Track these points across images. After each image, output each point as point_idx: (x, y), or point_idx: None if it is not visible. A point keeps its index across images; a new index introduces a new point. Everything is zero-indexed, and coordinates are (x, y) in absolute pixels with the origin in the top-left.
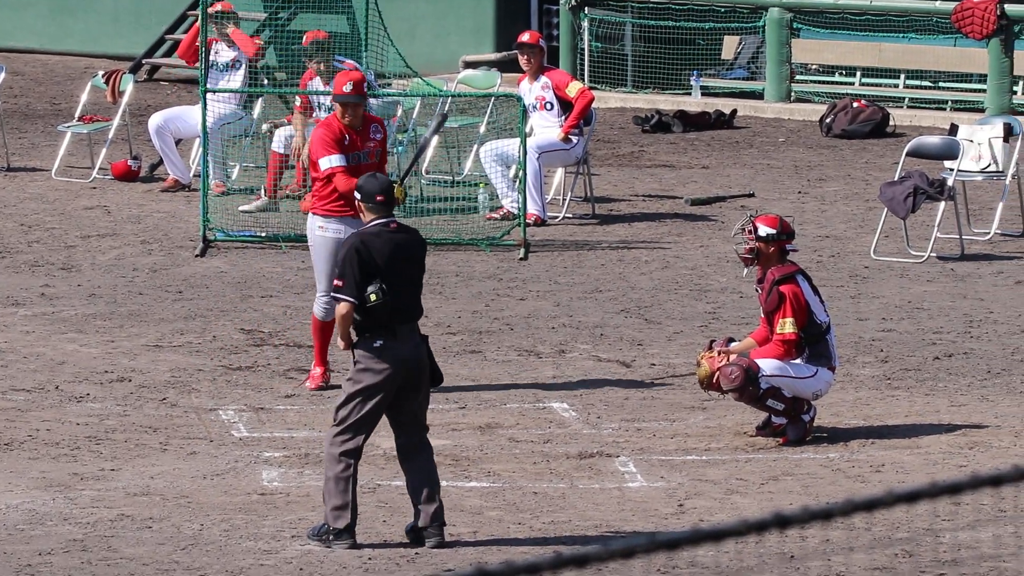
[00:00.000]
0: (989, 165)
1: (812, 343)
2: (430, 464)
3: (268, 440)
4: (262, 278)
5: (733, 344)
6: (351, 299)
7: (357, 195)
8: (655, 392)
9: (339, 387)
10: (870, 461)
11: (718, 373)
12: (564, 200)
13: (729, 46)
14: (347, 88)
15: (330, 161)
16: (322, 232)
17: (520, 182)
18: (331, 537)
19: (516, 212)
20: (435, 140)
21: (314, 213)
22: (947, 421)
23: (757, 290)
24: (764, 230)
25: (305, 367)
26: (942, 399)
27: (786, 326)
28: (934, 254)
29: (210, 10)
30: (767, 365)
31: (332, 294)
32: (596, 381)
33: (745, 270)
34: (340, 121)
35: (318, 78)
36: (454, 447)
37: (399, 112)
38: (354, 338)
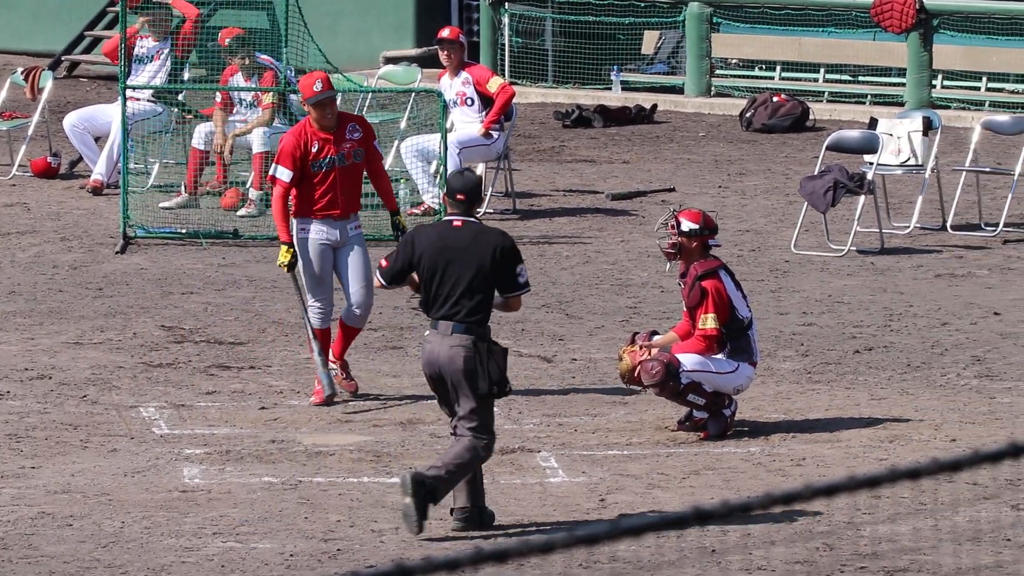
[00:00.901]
0: (908, 159)
1: (734, 338)
2: (447, 454)
3: (189, 437)
4: (183, 275)
5: (656, 338)
6: (384, 282)
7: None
8: (577, 387)
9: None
10: (791, 455)
11: (639, 368)
12: (485, 195)
13: (649, 41)
14: (317, 87)
15: (275, 169)
16: (303, 234)
17: (441, 178)
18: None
19: (437, 207)
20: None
21: (295, 216)
22: (867, 415)
23: (680, 284)
24: (687, 225)
25: (227, 363)
26: (862, 393)
27: (707, 321)
28: (854, 248)
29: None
30: (688, 360)
31: (375, 274)
32: (517, 376)
33: (667, 265)
34: (311, 127)
35: (239, 74)
36: (376, 443)
37: None
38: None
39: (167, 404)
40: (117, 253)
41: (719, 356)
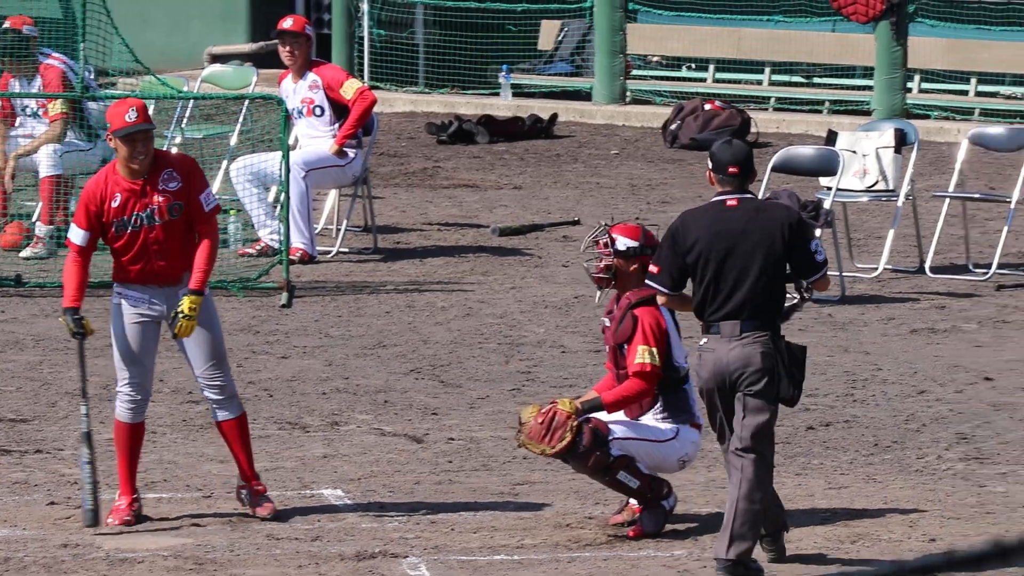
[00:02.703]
0: (877, 182)
1: (667, 392)
2: (737, 486)
3: None
4: None
5: (578, 399)
6: (666, 290)
7: (709, 162)
8: (454, 474)
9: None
10: None
11: (550, 432)
12: (338, 231)
13: (548, 33)
14: (130, 116)
15: (73, 234)
16: (117, 299)
17: (282, 208)
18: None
19: (277, 246)
20: None
21: (112, 278)
22: (824, 507)
23: (605, 323)
24: (624, 243)
25: (6, 446)
26: (817, 480)
27: (645, 355)
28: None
29: None
30: (619, 427)
31: (647, 281)
32: (379, 461)
33: (599, 293)
34: (114, 174)
35: (15, 80)
36: (197, 547)
37: None
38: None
39: None
40: None
41: (650, 420)
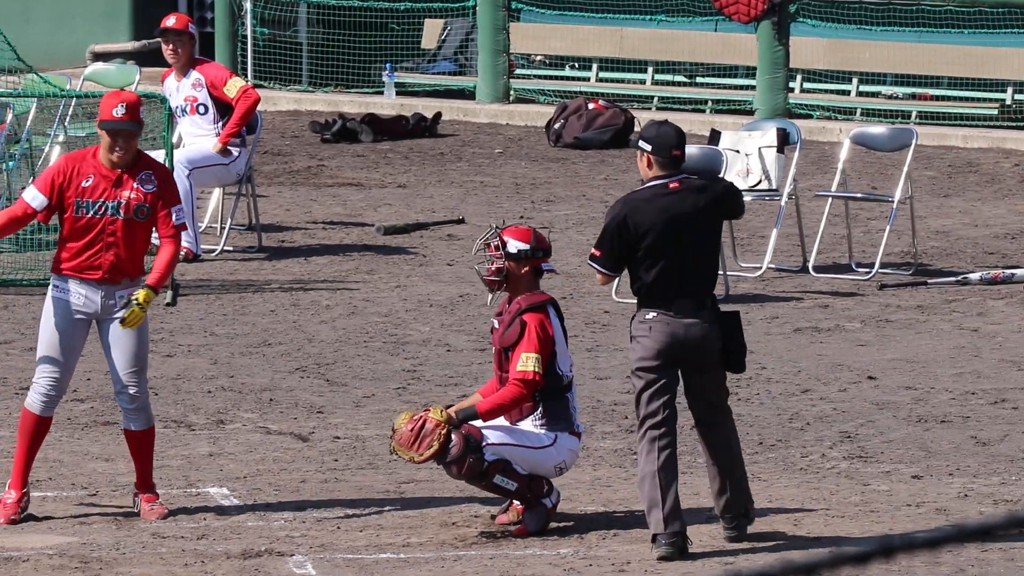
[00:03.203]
0: (760, 182)
1: (549, 399)
2: (725, 450)
3: None
4: None
5: (458, 403)
6: (606, 271)
7: (647, 146)
8: (340, 473)
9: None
10: (612, 558)
11: (420, 440)
12: (223, 229)
13: (431, 32)
14: (118, 112)
15: (27, 194)
16: (56, 292)
17: None
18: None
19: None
20: None
21: (52, 271)
22: (708, 506)
23: (494, 326)
24: (515, 245)
25: None
26: (703, 478)
27: (528, 362)
28: None
29: None
30: (493, 432)
31: (588, 262)
32: (264, 459)
33: (490, 296)
34: (94, 158)
35: None
36: (82, 545)
37: (9, 117)
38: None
39: None
40: None
41: (529, 426)
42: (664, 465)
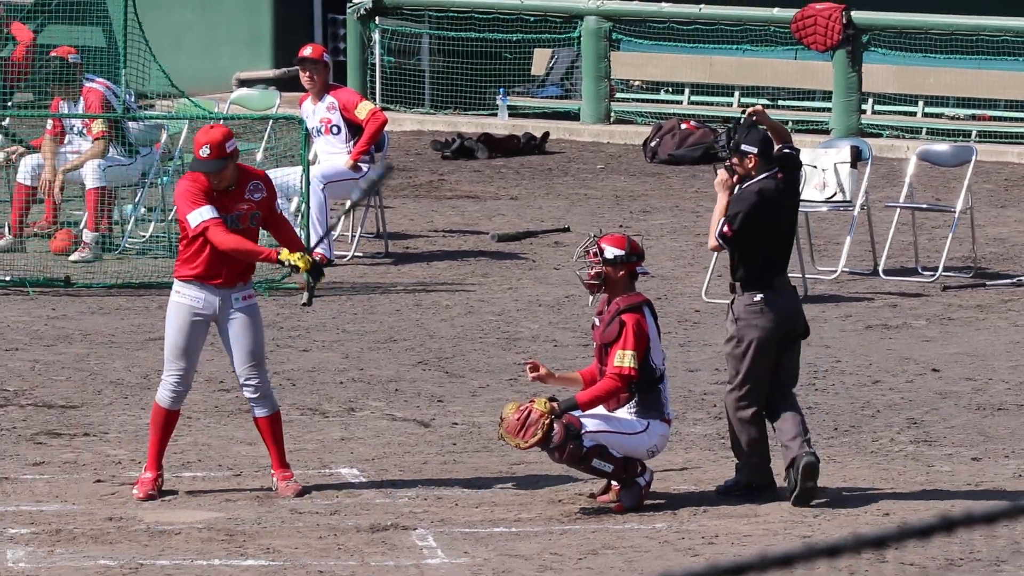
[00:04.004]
0: (835, 194)
1: (643, 390)
2: (800, 415)
3: (13, 515)
4: (6, 328)
5: (555, 401)
6: (728, 246)
7: (752, 148)
8: (457, 455)
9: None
10: (702, 532)
11: (525, 429)
12: (353, 237)
13: (540, 60)
14: (204, 152)
15: (201, 215)
16: (178, 297)
17: (303, 216)
18: (742, 490)
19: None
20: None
21: (175, 276)
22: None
23: (595, 323)
24: (611, 251)
25: (57, 430)
26: (783, 461)
27: (626, 359)
28: None
29: None
30: (591, 419)
31: (717, 238)
32: (390, 443)
33: (591, 298)
34: (199, 178)
35: (64, 103)
36: (228, 520)
37: (163, 137)
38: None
39: None
40: None
41: (624, 414)
42: (763, 433)
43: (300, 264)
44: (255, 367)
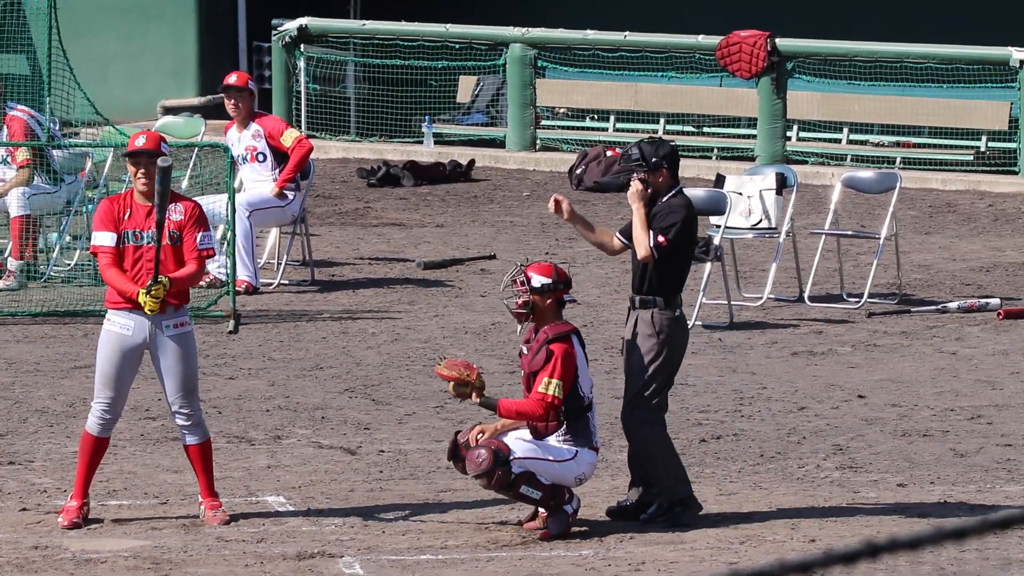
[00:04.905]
0: (760, 221)
1: (571, 418)
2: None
3: None
4: None
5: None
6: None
7: (666, 163)
8: (384, 483)
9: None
10: (628, 559)
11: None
12: (279, 264)
13: (465, 87)
14: (139, 141)
15: (97, 238)
16: (108, 324)
17: (228, 244)
18: (678, 510)
19: (224, 279)
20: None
21: (106, 304)
22: (716, 512)
23: (522, 352)
24: (538, 280)
25: None
26: (709, 487)
27: (550, 387)
28: (699, 322)
29: None
30: (520, 447)
31: (651, 247)
32: (317, 471)
33: (519, 327)
34: (131, 198)
35: None
36: (154, 548)
37: (88, 165)
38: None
39: None
40: None
41: (554, 441)
42: (672, 447)
43: (143, 302)
44: (188, 396)
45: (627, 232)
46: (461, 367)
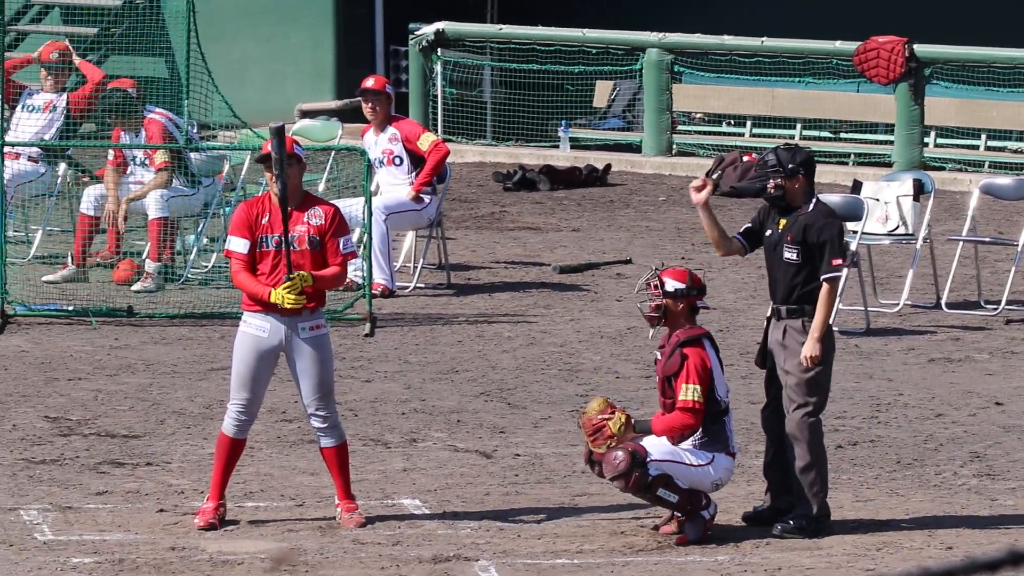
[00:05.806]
0: (897, 227)
1: (708, 423)
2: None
3: (77, 544)
4: (69, 358)
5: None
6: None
7: (802, 171)
8: (519, 486)
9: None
10: (765, 565)
11: (592, 438)
12: (415, 268)
13: (602, 92)
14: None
15: (230, 243)
16: (244, 327)
17: (365, 248)
18: (819, 526)
19: (360, 282)
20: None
21: (242, 307)
22: (852, 518)
23: (656, 356)
24: (672, 284)
25: (120, 459)
26: (846, 493)
27: (689, 392)
28: (836, 328)
29: (46, 54)
30: (657, 449)
31: (833, 273)
32: (452, 474)
33: (651, 331)
34: (270, 201)
35: (124, 134)
36: (290, 550)
37: (226, 168)
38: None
39: (51, 506)
40: None
41: (690, 446)
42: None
43: (278, 302)
44: (324, 399)
45: (748, 234)
46: (588, 435)
